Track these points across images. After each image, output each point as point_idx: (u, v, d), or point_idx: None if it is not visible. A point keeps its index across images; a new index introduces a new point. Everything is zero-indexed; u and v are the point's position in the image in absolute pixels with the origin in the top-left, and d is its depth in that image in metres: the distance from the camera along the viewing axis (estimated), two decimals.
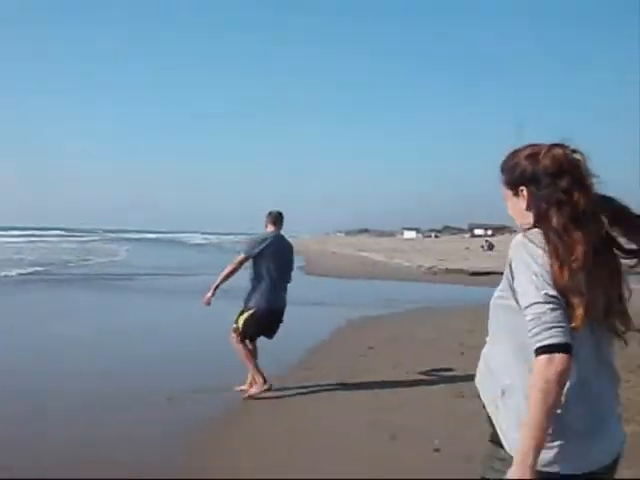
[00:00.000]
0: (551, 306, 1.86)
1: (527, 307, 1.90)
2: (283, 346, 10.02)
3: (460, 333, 10.78)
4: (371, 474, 4.60)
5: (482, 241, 64.06)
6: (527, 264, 1.93)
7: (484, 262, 33.65)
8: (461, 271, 27.85)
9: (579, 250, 1.91)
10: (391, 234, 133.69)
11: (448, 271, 28.08)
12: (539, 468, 1.85)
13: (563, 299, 1.88)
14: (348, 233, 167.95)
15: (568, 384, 1.89)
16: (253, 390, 6.70)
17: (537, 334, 1.86)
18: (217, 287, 6.81)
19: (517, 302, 1.97)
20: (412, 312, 14.16)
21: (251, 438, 5.49)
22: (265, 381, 6.68)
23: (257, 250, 6.76)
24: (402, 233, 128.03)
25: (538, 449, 1.83)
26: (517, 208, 2.12)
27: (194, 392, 6.76)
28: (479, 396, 2.18)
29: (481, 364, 2.18)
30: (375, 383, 7.22)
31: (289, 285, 7.04)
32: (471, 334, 10.67)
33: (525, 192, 2.07)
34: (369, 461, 4.87)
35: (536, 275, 1.90)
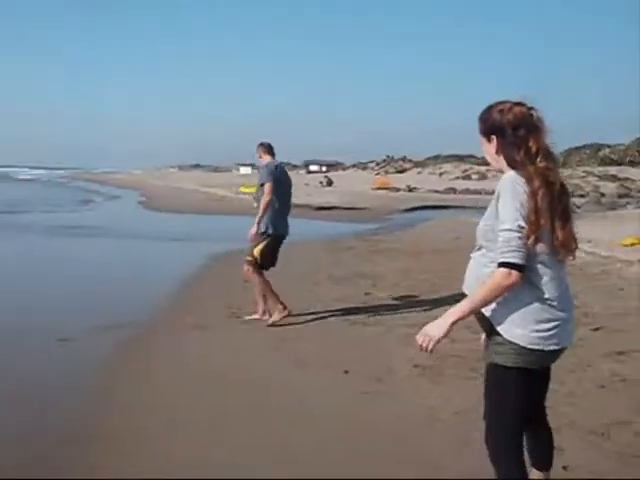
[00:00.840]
0: (519, 234, 2.45)
1: (502, 230, 2.48)
2: (157, 282, 9.89)
3: (327, 265, 11.17)
4: (282, 402, 4.74)
5: (319, 177, 65.41)
6: (513, 196, 2.49)
7: (325, 197, 34.64)
8: (307, 206, 28.43)
9: (535, 184, 2.50)
10: (226, 169, 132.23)
11: (295, 206, 28.46)
12: (532, 346, 2.55)
13: (530, 228, 2.46)
14: (181, 168, 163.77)
15: (560, 286, 2.62)
16: (275, 316, 6.83)
17: (503, 252, 2.47)
18: (261, 218, 6.85)
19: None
20: None
21: (147, 378, 5.36)
22: (285, 307, 6.85)
23: (273, 184, 6.86)
24: (237, 169, 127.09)
25: (461, 317, 2.55)
26: (490, 152, 2.70)
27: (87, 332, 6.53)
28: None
29: (469, 274, 2.73)
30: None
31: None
32: (337, 266, 11.13)
33: (495, 140, 2.66)
34: (279, 388, 5.01)
35: (517, 207, 2.47)
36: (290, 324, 6.93)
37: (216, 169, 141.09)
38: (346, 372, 5.22)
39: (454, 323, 2.56)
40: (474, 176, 62.81)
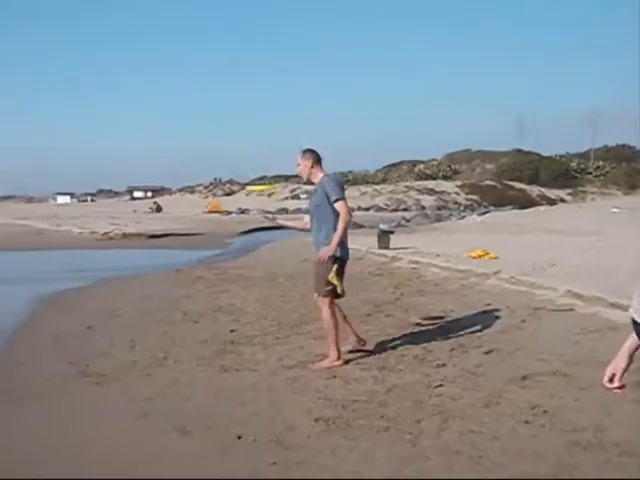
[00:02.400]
0: None
1: None
2: None
3: (179, 300, 10.11)
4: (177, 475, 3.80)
5: (145, 203, 62.99)
6: None
7: (156, 224, 33.06)
8: (139, 235, 26.84)
9: None
10: (42, 200, 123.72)
11: (125, 235, 26.80)
12: None
13: None
14: None
15: None
16: (326, 362, 5.89)
17: None
18: (340, 239, 5.82)
19: None
20: (111, 281, 12.96)
21: None
22: (339, 357, 5.91)
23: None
24: (54, 198, 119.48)
25: None
26: None
27: None
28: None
29: None
30: (119, 372, 6.20)
31: None
32: (190, 300, 10.11)
33: None
34: (167, 462, 4.04)
35: None
36: (155, 376, 5.89)
37: (30, 200, 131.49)
38: (239, 437, 4.34)
39: None
40: (303, 195, 63.61)
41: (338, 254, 5.89)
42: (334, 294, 5.95)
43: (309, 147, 6.18)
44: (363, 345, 6.38)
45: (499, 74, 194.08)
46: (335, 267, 5.90)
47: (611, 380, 2.35)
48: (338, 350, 5.94)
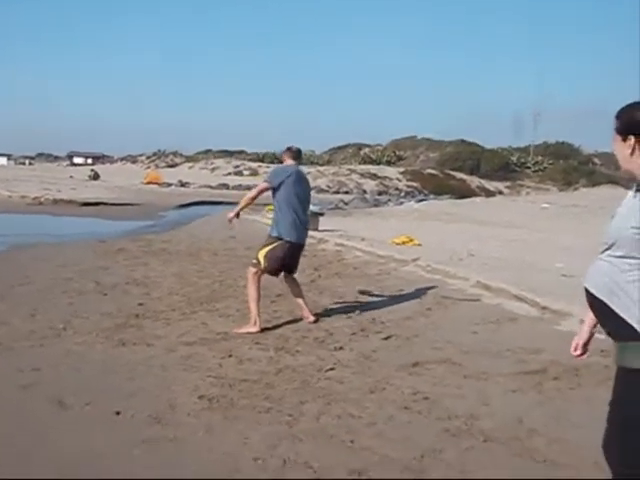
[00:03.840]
0: None
1: None
2: None
3: (95, 270, 9.90)
4: (49, 450, 3.74)
5: (84, 170, 61.46)
6: None
7: (92, 192, 32.28)
8: (71, 202, 26.16)
9: None
10: None
11: (56, 201, 26.09)
12: None
13: None
14: None
15: None
16: (244, 328, 6.42)
17: None
18: (239, 211, 6.83)
19: None
20: (30, 248, 12.59)
21: None
22: (256, 324, 6.42)
23: (279, 180, 6.63)
24: None
25: None
26: (622, 152, 2.51)
27: None
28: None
29: (602, 276, 2.49)
30: (12, 340, 6.03)
31: None
32: (106, 272, 9.91)
33: (632, 140, 2.46)
34: (40, 435, 3.96)
35: None
36: (48, 347, 5.77)
37: None
38: (117, 413, 4.28)
39: None
40: (246, 172, 63.19)
41: (274, 234, 6.68)
42: (262, 268, 6.63)
43: (290, 145, 7.09)
44: (315, 321, 6.81)
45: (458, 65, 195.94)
46: (272, 245, 6.63)
47: (576, 349, 2.76)
48: (257, 318, 6.45)
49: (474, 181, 62.31)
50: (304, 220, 6.85)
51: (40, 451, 3.77)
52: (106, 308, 7.27)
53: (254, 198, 6.85)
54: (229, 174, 61.87)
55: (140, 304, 7.57)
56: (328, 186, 53.68)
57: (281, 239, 6.65)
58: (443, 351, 5.82)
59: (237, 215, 6.85)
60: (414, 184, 58.86)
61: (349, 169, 62.01)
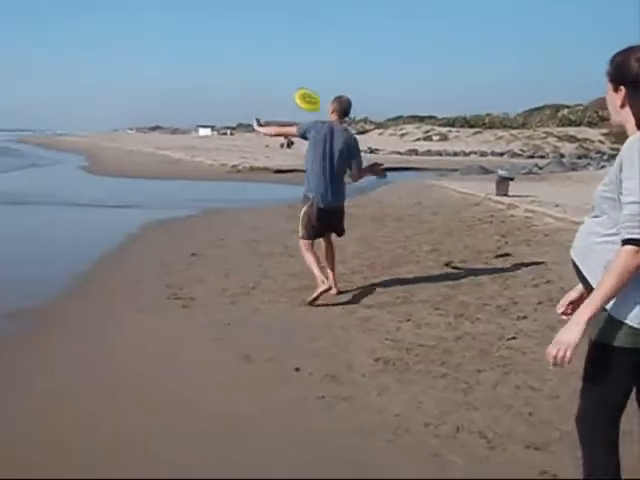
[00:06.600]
0: None
1: (628, 203, 2.13)
2: (78, 252, 8.95)
3: (284, 234, 10.34)
4: (231, 399, 4.00)
5: (281, 139, 64.14)
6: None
7: (285, 160, 33.68)
8: (265, 169, 27.53)
9: None
10: (185, 131, 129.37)
11: (252, 169, 27.60)
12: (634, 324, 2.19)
13: None
14: (139, 130, 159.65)
15: None
16: (314, 294, 6.07)
17: (630, 227, 2.12)
18: (261, 131, 6.88)
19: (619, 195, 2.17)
20: (225, 212, 13.47)
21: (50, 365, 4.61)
22: (323, 283, 6.10)
23: (303, 130, 6.29)
24: (197, 130, 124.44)
25: (595, 312, 2.18)
26: (613, 103, 2.29)
27: None
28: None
29: (579, 240, 2.38)
30: (208, 297, 6.50)
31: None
32: (293, 236, 10.29)
33: (623, 91, 2.23)
34: (225, 385, 4.25)
35: None
36: (238, 304, 6.14)
37: (175, 131, 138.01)
38: (297, 370, 4.45)
39: (589, 320, 2.20)
40: (435, 137, 62.32)
41: (303, 194, 6.31)
42: (299, 236, 6.39)
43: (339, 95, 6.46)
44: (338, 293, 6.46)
45: None
46: (302, 211, 6.29)
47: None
48: (324, 278, 6.18)
49: None
50: (335, 183, 6.24)
51: (219, 402, 4.02)
52: (292, 270, 7.56)
53: (275, 135, 7.10)
54: (418, 139, 61.38)
55: (323, 267, 7.78)
56: (522, 150, 51.34)
57: (307, 200, 6.28)
58: None
59: (261, 127, 6.83)
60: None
61: (545, 132, 58.78)
